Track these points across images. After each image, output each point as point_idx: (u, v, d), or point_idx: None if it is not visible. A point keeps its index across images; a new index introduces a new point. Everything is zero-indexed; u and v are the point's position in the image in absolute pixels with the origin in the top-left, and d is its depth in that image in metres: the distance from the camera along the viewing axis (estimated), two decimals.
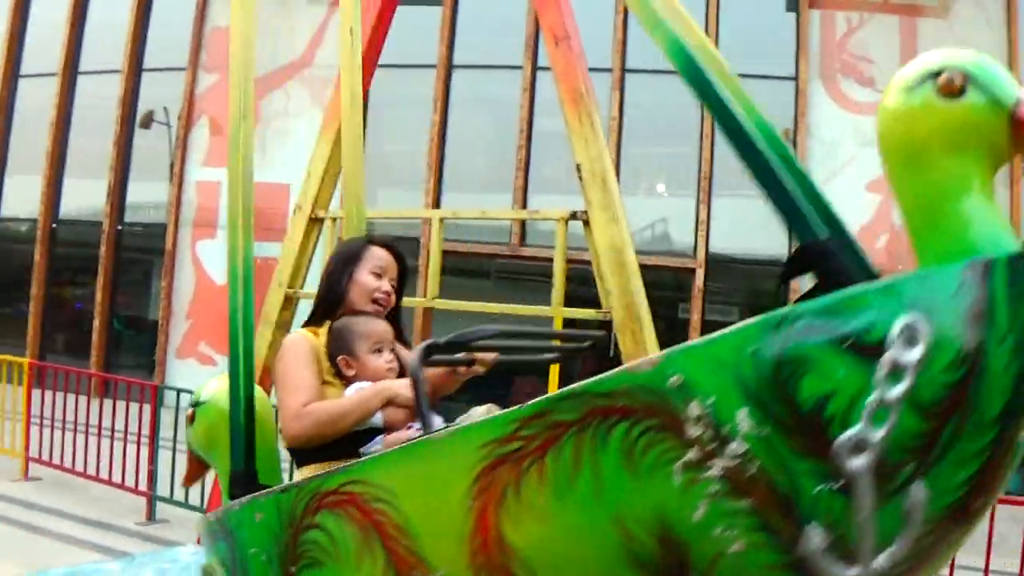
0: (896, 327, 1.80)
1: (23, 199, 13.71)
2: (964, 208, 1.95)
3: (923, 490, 1.84)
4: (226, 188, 3.01)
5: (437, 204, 11.27)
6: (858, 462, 1.80)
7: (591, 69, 10.66)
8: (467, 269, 11.82)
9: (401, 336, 2.98)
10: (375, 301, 2.87)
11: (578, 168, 4.16)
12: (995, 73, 1.96)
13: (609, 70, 11.06)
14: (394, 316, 2.97)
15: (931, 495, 1.84)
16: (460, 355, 2.72)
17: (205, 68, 12.79)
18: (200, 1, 12.77)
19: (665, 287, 11.15)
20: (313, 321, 2.93)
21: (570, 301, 4.34)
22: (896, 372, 1.79)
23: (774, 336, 1.85)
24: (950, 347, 1.80)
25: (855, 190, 10.32)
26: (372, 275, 2.89)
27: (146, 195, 13.28)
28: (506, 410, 2.03)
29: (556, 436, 1.95)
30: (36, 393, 7.93)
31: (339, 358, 2.73)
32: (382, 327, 2.79)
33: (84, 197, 13.44)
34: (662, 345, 3.91)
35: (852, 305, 1.86)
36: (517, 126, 11.21)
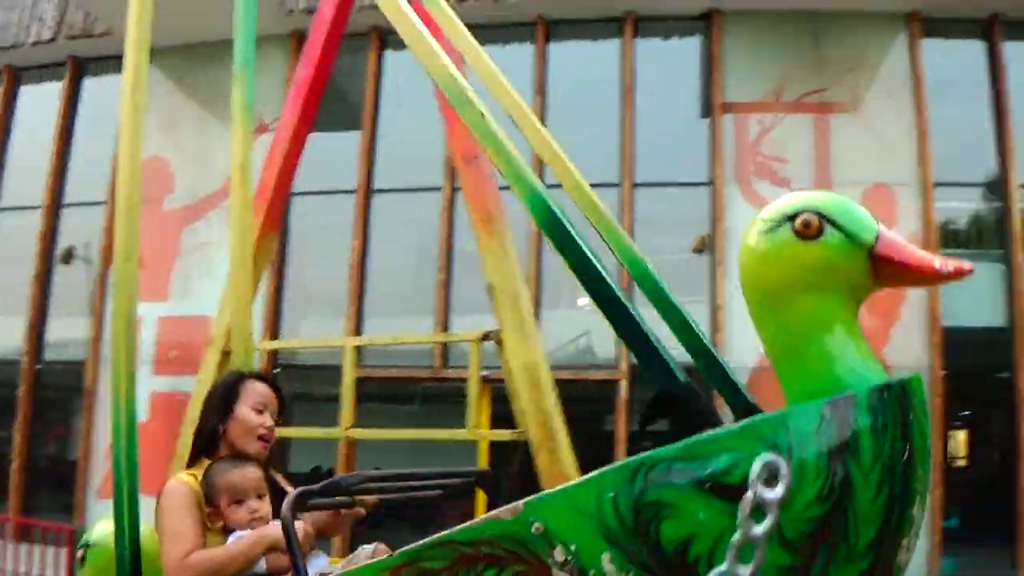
0: (756, 467, 1.80)
1: None
2: (827, 345, 1.98)
3: None
4: (111, 328, 2.94)
5: (359, 330, 11.20)
6: None
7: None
8: (391, 394, 11.78)
9: (280, 468, 2.98)
10: (260, 438, 2.82)
11: (490, 288, 4.16)
12: (852, 212, 2.02)
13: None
14: (273, 449, 2.92)
15: None
16: (341, 498, 2.70)
17: None
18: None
19: (591, 401, 11.15)
20: (194, 462, 2.88)
21: (497, 420, 4.31)
22: (759, 510, 1.79)
23: (632, 482, 1.85)
24: (813, 483, 1.82)
25: None
26: (254, 411, 2.83)
27: (66, 332, 13.01)
28: (375, 559, 2.08)
29: None
30: None
31: (207, 510, 2.69)
32: (241, 476, 2.73)
33: (2, 335, 13.18)
34: (582, 462, 3.87)
35: (710, 448, 1.87)
36: (437, 248, 11.22)
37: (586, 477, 1.93)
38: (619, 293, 2.76)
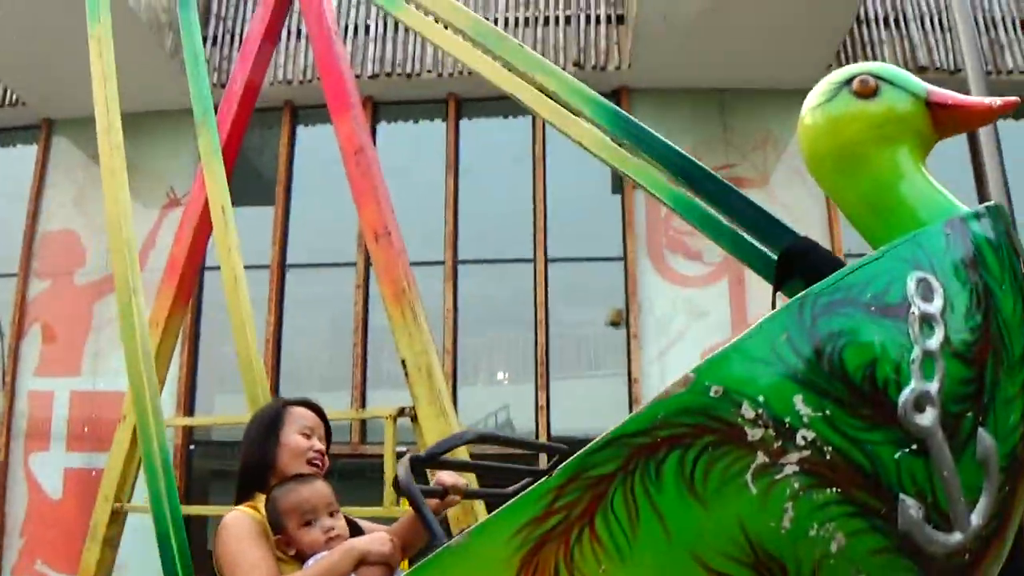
0: (911, 284, 1.85)
1: None
2: (907, 191, 2.09)
3: (988, 437, 1.84)
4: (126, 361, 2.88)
5: None
6: (926, 419, 1.78)
7: (422, 263, 10.65)
8: None
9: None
10: (310, 462, 2.68)
11: (403, 363, 4.15)
12: (899, 72, 2.17)
13: (441, 263, 11.20)
14: (326, 478, 2.73)
15: (995, 441, 1.84)
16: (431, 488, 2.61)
17: (37, 274, 12.45)
18: (31, 207, 12.50)
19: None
20: (244, 498, 2.68)
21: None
22: (927, 324, 1.83)
23: (801, 320, 1.82)
24: (963, 293, 1.88)
25: (691, 361, 10.51)
26: (301, 435, 2.71)
27: None
28: (533, 486, 1.86)
29: (600, 494, 1.78)
30: None
31: (276, 538, 2.50)
32: (310, 491, 2.55)
33: None
34: None
35: (861, 275, 1.87)
36: (352, 323, 11.18)
37: (748, 330, 1.87)
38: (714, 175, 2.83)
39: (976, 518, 1.82)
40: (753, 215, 2.89)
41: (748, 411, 1.76)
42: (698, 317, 10.97)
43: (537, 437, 10.83)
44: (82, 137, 12.57)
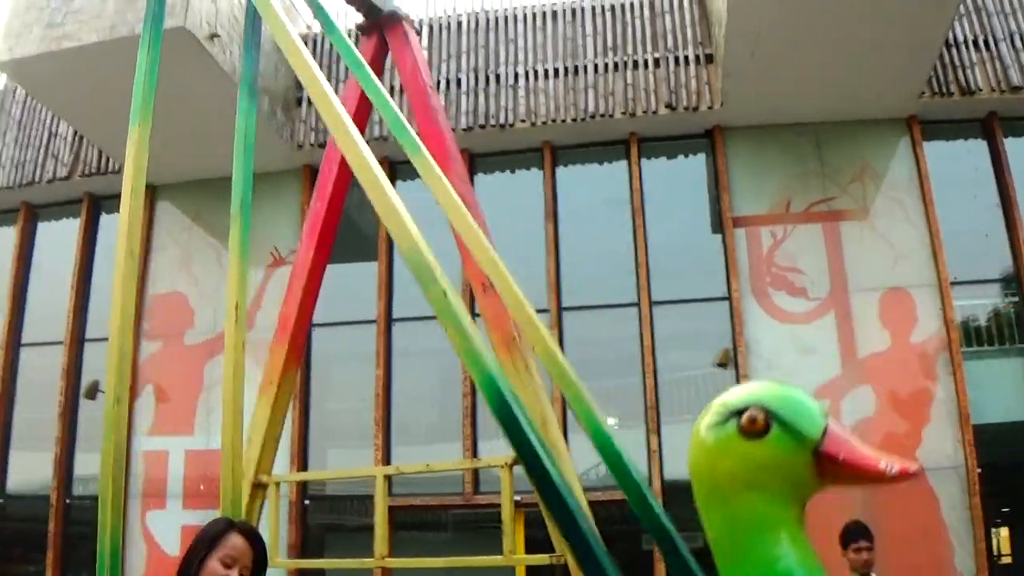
0: None
1: None
2: (769, 546, 1.95)
3: None
4: (100, 463, 2.97)
5: (387, 459, 11.18)
6: None
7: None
8: (422, 522, 11.69)
9: None
10: None
11: None
12: (800, 408, 1.99)
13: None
14: None
15: None
16: None
17: (147, 336, 12.82)
18: (140, 270, 12.89)
19: (624, 520, 11.00)
20: None
21: (533, 544, 4.23)
22: None
23: None
24: None
25: None
26: (221, 563, 2.85)
27: (94, 467, 13.02)
28: None
29: None
30: None
31: None
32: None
33: (31, 471, 13.20)
34: None
35: None
36: (461, 374, 11.25)
37: None
38: (556, 479, 2.75)
39: None
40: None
41: None
42: (806, 353, 10.81)
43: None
44: (185, 201, 12.99)
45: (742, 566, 1.95)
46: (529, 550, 4.39)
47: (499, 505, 4.18)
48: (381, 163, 11.54)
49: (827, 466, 1.95)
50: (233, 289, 3.71)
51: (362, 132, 5.12)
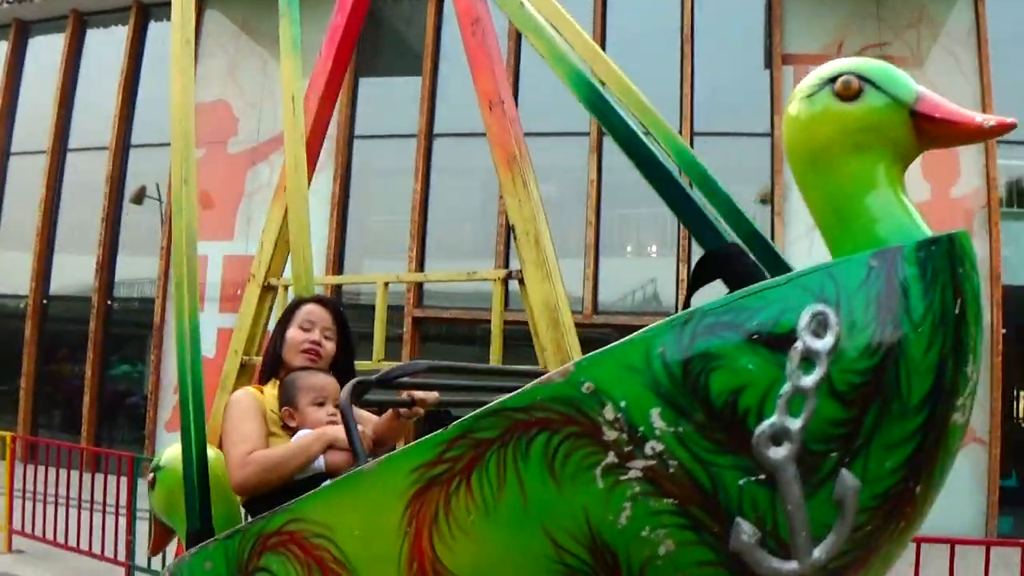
0: (804, 318, 1.80)
1: (13, 276, 13.82)
2: (871, 205, 1.99)
3: (851, 478, 1.83)
4: (172, 254, 3.05)
5: (421, 271, 11.33)
6: (779, 453, 1.80)
7: (566, 134, 10.67)
8: (455, 335, 11.92)
9: None
10: (304, 352, 2.96)
11: (512, 229, 4.20)
12: (891, 73, 2.01)
13: (586, 134, 11.23)
14: (346, 370, 3.05)
15: (862, 483, 1.83)
16: (400, 397, 2.76)
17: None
18: None
19: None
20: (262, 382, 3.06)
21: (526, 361, 4.32)
22: (808, 361, 1.79)
23: (681, 336, 1.84)
24: (862, 334, 1.81)
25: None
26: (300, 329, 2.99)
27: (136, 270, 13.41)
28: (432, 433, 2.04)
29: (480, 455, 1.96)
30: (29, 468, 7.99)
31: (283, 409, 2.83)
32: (323, 381, 2.88)
33: (74, 273, 13.56)
34: None
35: (758, 300, 1.85)
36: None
37: (636, 333, 1.90)
38: (666, 164, 2.81)
39: (821, 552, 1.85)
40: (693, 213, 2.80)
41: (609, 413, 1.85)
42: None
43: (677, 309, 10.88)
44: (232, 9, 12.90)
45: (847, 230, 2.00)
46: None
47: (526, 322, 4.26)
48: None
49: (925, 126, 1.98)
50: (287, 83, 3.71)
51: None
